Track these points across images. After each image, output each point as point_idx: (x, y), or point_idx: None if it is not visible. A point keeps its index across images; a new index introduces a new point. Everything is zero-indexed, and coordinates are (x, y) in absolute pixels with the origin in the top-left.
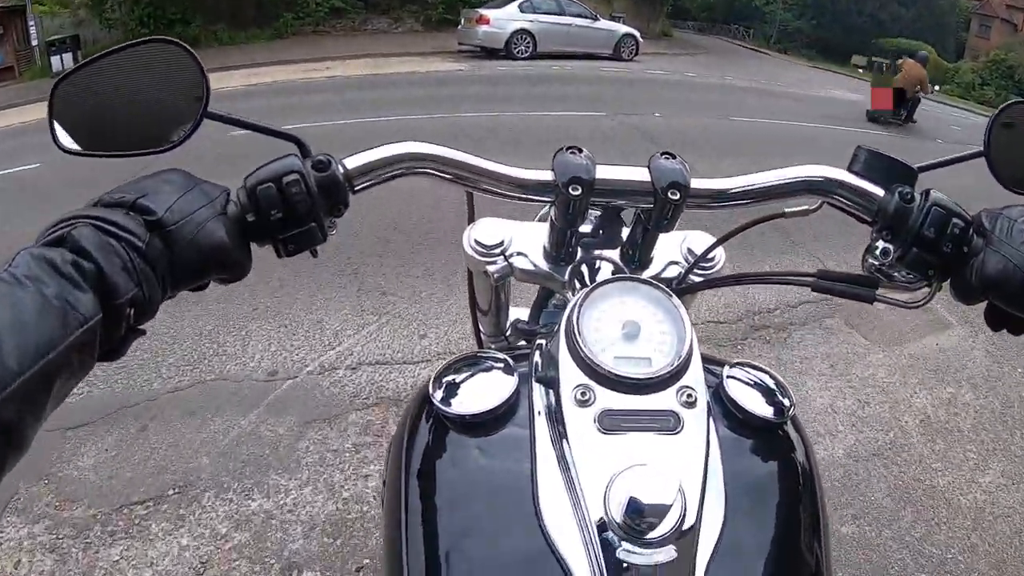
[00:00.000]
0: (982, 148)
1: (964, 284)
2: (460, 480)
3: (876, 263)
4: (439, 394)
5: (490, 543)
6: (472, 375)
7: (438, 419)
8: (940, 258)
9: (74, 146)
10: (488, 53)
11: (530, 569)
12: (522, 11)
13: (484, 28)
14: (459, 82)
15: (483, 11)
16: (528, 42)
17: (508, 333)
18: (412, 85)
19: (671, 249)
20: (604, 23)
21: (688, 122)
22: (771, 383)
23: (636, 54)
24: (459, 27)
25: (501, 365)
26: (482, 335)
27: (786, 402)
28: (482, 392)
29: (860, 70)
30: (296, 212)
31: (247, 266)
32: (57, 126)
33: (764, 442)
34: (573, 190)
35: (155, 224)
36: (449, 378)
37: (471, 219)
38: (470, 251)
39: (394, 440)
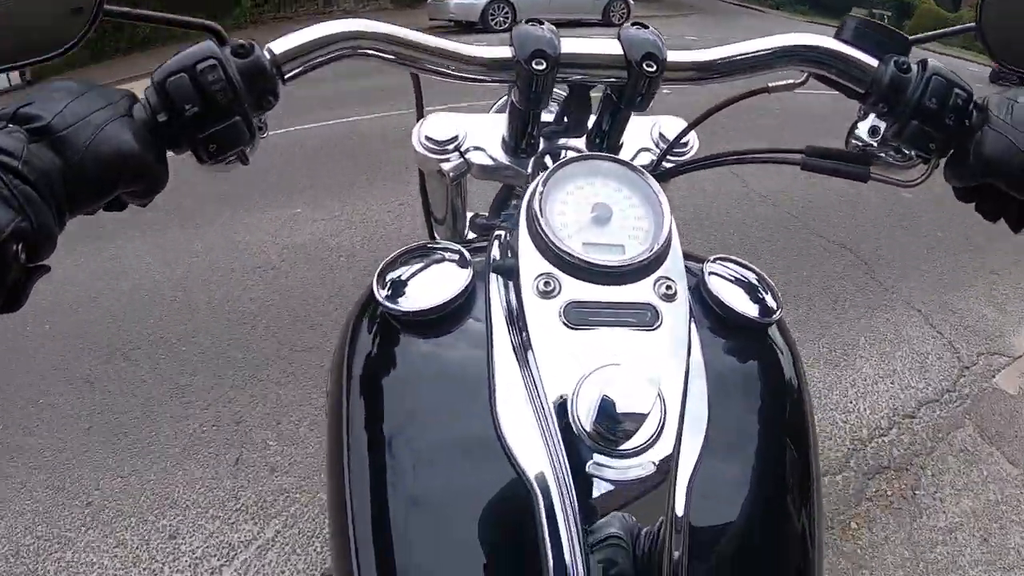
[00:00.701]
0: (974, 25)
1: (962, 164)
2: (407, 384)
3: (862, 143)
4: (384, 290)
5: (440, 455)
6: (422, 268)
7: (383, 318)
8: (942, 131)
9: None
10: (463, 27)
11: (485, 484)
12: None
13: (456, 0)
14: None
15: None
16: (506, 12)
17: (467, 235)
18: (374, 73)
19: (642, 136)
20: None
21: (709, 101)
22: (756, 280)
23: (627, 18)
24: (429, 0)
25: (455, 257)
26: (438, 239)
27: (772, 302)
28: (432, 286)
29: None
30: (215, 105)
31: (161, 176)
32: None
33: (749, 344)
34: (537, 65)
35: (43, 131)
36: (395, 273)
37: (420, 114)
38: (421, 149)
39: (336, 346)
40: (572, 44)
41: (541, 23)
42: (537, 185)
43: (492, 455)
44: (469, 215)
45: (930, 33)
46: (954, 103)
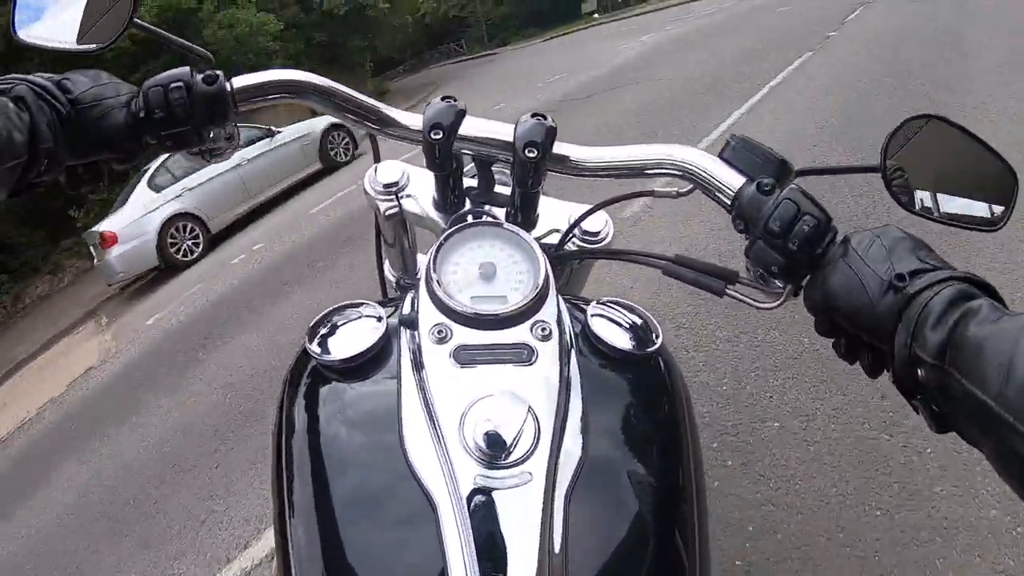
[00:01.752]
0: (877, 163)
1: (812, 292)
2: (333, 421)
3: (749, 262)
4: (314, 343)
5: (360, 480)
6: (345, 323)
7: (314, 367)
8: (786, 256)
9: (25, 37)
10: (154, 272)
11: (398, 502)
12: (157, 189)
13: (116, 251)
14: (89, 406)
15: (104, 227)
16: (192, 231)
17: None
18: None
19: (559, 218)
20: (289, 131)
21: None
22: (636, 318)
23: (356, 147)
24: (95, 262)
25: (373, 313)
26: (391, 274)
27: (652, 335)
28: (353, 339)
29: (595, 16)
30: (175, 114)
31: (135, 154)
32: (16, 17)
33: (628, 374)
34: (434, 134)
35: (73, 101)
36: (324, 328)
37: (376, 159)
38: (369, 189)
39: (279, 392)
40: (472, 124)
41: (455, 100)
42: (434, 248)
43: (401, 475)
44: (421, 259)
45: (822, 167)
46: (799, 229)
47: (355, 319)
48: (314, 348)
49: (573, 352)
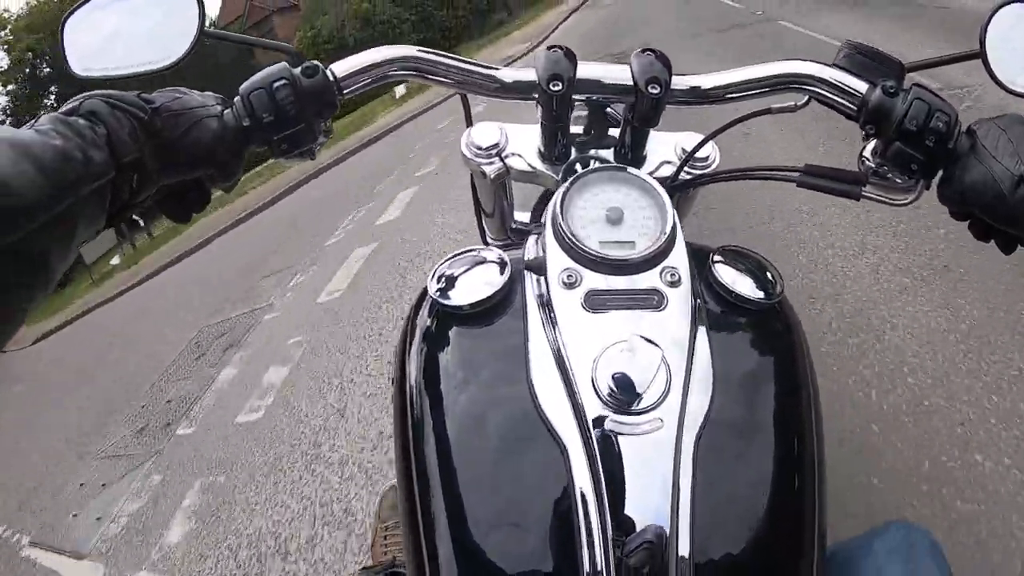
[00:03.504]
0: (977, 49)
1: (947, 188)
2: (459, 368)
3: (869, 163)
4: (437, 288)
5: (489, 426)
6: (468, 269)
7: (437, 313)
8: (923, 153)
9: (85, 73)
10: None
11: (528, 447)
12: None
13: None
14: None
15: None
16: None
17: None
18: None
19: (666, 149)
20: None
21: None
22: (759, 266)
23: None
24: None
25: (496, 258)
26: (488, 237)
27: (774, 284)
28: (478, 284)
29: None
30: (285, 114)
31: (234, 169)
32: (68, 54)
33: (752, 322)
34: (554, 86)
35: (156, 111)
36: (447, 273)
37: (469, 123)
38: (467, 153)
39: (399, 339)
40: (587, 69)
41: (562, 48)
42: (560, 194)
43: (530, 419)
44: (518, 219)
45: (928, 60)
46: (934, 126)
47: (479, 263)
48: (437, 293)
49: (698, 299)
